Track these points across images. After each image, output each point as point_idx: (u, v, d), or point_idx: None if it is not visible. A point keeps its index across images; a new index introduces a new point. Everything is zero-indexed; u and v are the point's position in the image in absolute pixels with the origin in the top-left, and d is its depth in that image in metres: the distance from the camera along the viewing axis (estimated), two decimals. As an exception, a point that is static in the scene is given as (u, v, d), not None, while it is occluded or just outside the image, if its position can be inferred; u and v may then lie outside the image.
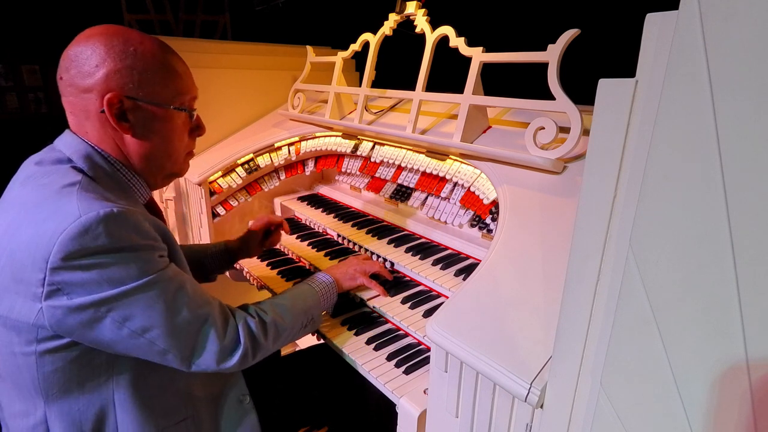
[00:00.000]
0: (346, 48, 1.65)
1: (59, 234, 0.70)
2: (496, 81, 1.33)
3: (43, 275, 0.71)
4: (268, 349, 0.96)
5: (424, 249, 1.37)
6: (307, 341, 1.37)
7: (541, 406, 0.70)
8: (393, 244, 1.43)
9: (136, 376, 0.85)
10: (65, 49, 0.84)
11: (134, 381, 0.85)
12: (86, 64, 0.81)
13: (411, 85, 1.37)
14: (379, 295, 1.27)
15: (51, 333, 0.75)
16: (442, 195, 1.36)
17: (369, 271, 1.28)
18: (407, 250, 1.37)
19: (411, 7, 1.39)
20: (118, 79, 0.82)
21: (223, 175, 1.79)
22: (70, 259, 0.71)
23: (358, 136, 1.64)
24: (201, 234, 1.83)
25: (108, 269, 0.73)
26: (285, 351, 1.48)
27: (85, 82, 0.81)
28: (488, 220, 1.22)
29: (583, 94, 0.98)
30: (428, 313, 1.19)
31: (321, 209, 1.80)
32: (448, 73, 1.37)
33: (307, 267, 1.54)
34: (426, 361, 1.09)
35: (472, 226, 1.36)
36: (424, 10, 1.36)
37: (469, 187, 1.27)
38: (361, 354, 1.12)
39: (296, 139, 1.82)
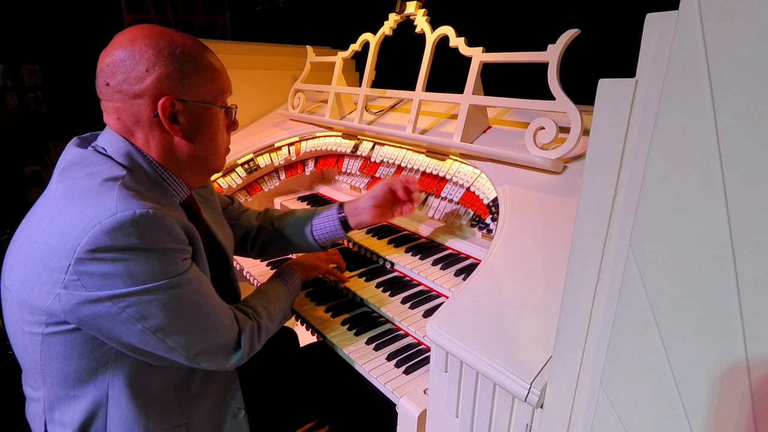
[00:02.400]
0: (346, 48, 1.65)
1: (93, 226, 0.71)
2: (496, 81, 1.33)
3: (68, 263, 0.72)
4: (257, 350, 0.98)
5: (424, 249, 1.37)
6: (307, 338, 1.37)
7: (541, 406, 0.70)
8: (393, 244, 1.43)
9: (133, 375, 0.85)
10: (106, 54, 0.83)
11: (131, 379, 0.85)
12: (135, 69, 0.81)
13: (411, 85, 1.37)
14: (378, 296, 1.27)
15: (60, 319, 0.77)
16: (442, 195, 1.36)
17: (329, 260, 1.34)
18: (407, 250, 1.37)
19: (411, 7, 1.39)
20: (170, 83, 0.83)
21: (223, 175, 1.79)
22: (98, 251, 0.72)
23: (358, 136, 1.64)
24: (201, 234, 1.83)
25: (132, 265, 0.74)
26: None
27: (135, 88, 0.82)
28: (488, 220, 1.22)
29: (583, 94, 0.98)
30: (428, 313, 1.19)
31: (321, 209, 1.80)
32: (448, 73, 1.37)
33: (307, 267, 1.54)
34: (426, 361, 1.09)
35: (472, 226, 1.36)
36: (424, 10, 1.36)
37: (469, 187, 1.27)
38: (361, 354, 1.12)
39: (296, 139, 1.82)
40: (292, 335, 1.48)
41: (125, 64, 0.81)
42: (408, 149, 1.47)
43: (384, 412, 1.30)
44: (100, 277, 0.73)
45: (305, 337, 1.45)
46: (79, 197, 0.76)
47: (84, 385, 0.83)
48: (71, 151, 0.86)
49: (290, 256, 1.62)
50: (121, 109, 0.84)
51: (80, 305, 0.74)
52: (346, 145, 1.65)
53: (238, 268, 1.68)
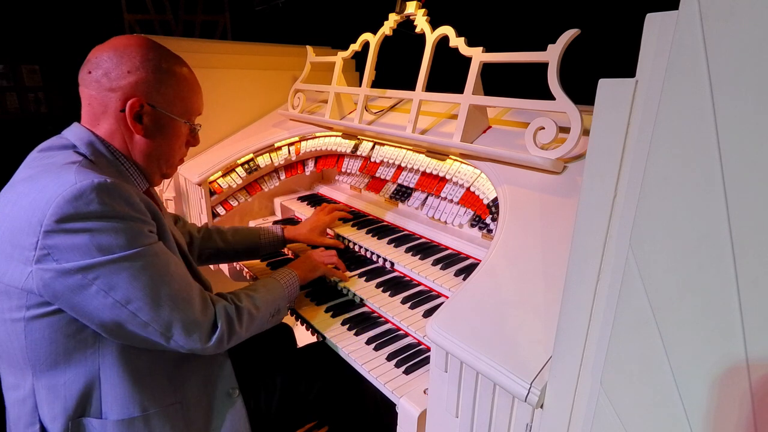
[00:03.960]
0: (346, 48, 1.65)
1: (55, 198, 0.75)
2: (496, 81, 1.33)
3: (36, 239, 0.75)
4: (241, 335, 1.00)
5: (424, 249, 1.37)
6: (307, 339, 1.37)
7: (541, 406, 0.70)
8: (393, 244, 1.43)
9: (123, 353, 0.87)
10: (97, 49, 0.92)
11: (122, 357, 0.87)
12: (118, 67, 0.89)
13: (411, 85, 1.37)
14: (378, 296, 1.27)
15: (39, 299, 0.79)
16: (442, 195, 1.36)
17: (327, 262, 1.36)
18: (407, 250, 1.37)
19: (411, 7, 1.39)
20: (146, 88, 0.92)
21: (223, 175, 1.79)
22: (63, 221, 0.75)
23: (358, 136, 1.64)
24: (201, 234, 1.83)
25: (98, 236, 0.78)
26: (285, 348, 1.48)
27: (113, 83, 0.90)
28: (488, 220, 1.22)
29: (583, 94, 0.98)
30: (428, 313, 1.19)
31: (321, 209, 1.80)
32: (448, 73, 1.37)
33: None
34: (426, 361, 1.09)
35: (472, 226, 1.36)
36: (424, 10, 1.36)
37: (469, 187, 1.27)
38: (361, 354, 1.12)
39: (296, 139, 1.82)
40: (288, 331, 1.49)
41: (112, 60, 0.89)
42: (408, 149, 1.47)
43: (384, 412, 1.30)
44: (68, 249, 0.76)
45: (305, 338, 1.45)
46: (40, 178, 0.81)
47: (74, 367, 0.85)
48: (34, 152, 0.92)
49: (287, 252, 1.62)
50: (93, 96, 0.91)
51: (53, 279, 0.77)
52: (346, 145, 1.65)
53: (237, 269, 1.68)
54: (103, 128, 0.93)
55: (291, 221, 1.88)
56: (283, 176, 1.90)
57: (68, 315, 0.81)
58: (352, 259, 1.47)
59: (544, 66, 1.06)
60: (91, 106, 0.92)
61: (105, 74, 0.89)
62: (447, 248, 1.38)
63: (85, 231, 0.77)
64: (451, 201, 1.36)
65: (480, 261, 1.02)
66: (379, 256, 1.41)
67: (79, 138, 0.91)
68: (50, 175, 0.80)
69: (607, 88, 0.53)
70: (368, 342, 1.16)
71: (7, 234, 0.78)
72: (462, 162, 1.31)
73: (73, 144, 0.90)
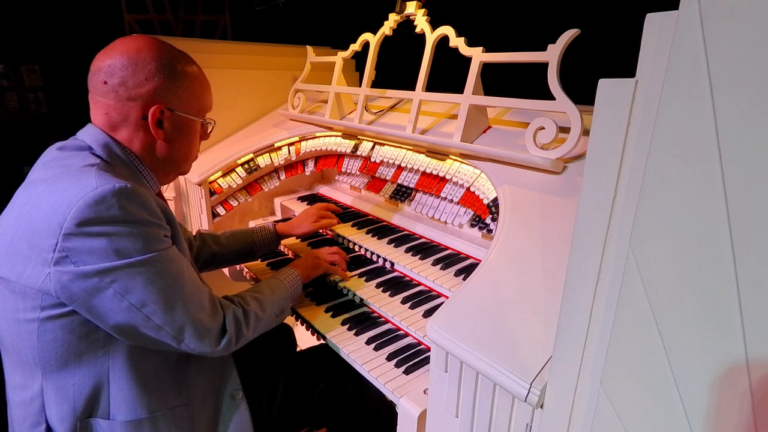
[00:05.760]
0: (346, 48, 1.65)
1: (77, 201, 0.76)
2: (496, 81, 1.33)
3: (55, 241, 0.76)
4: (248, 338, 1.01)
5: (424, 249, 1.37)
6: (308, 341, 1.37)
7: (541, 406, 0.70)
8: (393, 244, 1.43)
9: (132, 355, 0.88)
10: (106, 55, 0.90)
11: (130, 360, 0.88)
12: (135, 76, 0.90)
13: (411, 85, 1.37)
14: (378, 296, 1.27)
15: (55, 300, 0.79)
16: (442, 195, 1.36)
17: (329, 260, 1.38)
18: (407, 250, 1.37)
19: (411, 7, 1.39)
20: (164, 94, 0.93)
21: (223, 175, 1.79)
22: (84, 225, 0.76)
23: (358, 136, 1.64)
24: (201, 234, 1.83)
25: (116, 240, 0.79)
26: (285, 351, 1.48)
27: (132, 92, 0.90)
28: (488, 220, 1.22)
29: (583, 94, 0.98)
30: (428, 313, 1.19)
31: (321, 209, 1.80)
32: (448, 73, 1.37)
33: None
34: (426, 361, 1.09)
35: (472, 226, 1.36)
36: (424, 10, 1.36)
37: (469, 187, 1.27)
38: (361, 354, 1.12)
39: (296, 139, 1.82)
40: (289, 331, 1.49)
41: (127, 69, 0.89)
42: (408, 149, 1.47)
43: (384, 412, 1.30)
44: (87, 253, 0.77)
45: (305, 339, 1.45)
46: (59, 180, 0.81)
47: (84, 368, 0.85)
48: (49, 152, 0.92)
49: (287, 252, 1.62)
50: (111, 106, 0.91)
51: (71, 282, 0.77)
52: (346, 145, 1.65)
53: (237, 269, 1.68)
54: (121, 134, 0.93)
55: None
56: (283, 176, 1.90)
57: (81, 317, 0.82)
58: (352, 259, 1.46)
59: (544, 66, 1.06)
60: (109, 116, 0.92)
61: (122, 83, 0.89)
62: (447, 248, 1.38)
63: (104, 235, 0.77)
64: (451, 201, 1.36)
65: (480, 261, 1.02)
66: (379, 256, 1.41)
67: (95, 140, 0.91)
68: (70, 178, 0.80)
69: (607, 88, 0.53)
70: (368, 342, 1.16)
71: (25, 234, 0.78)
72: (462, 162, 1.31)
73: (89, 146, 0.90)
